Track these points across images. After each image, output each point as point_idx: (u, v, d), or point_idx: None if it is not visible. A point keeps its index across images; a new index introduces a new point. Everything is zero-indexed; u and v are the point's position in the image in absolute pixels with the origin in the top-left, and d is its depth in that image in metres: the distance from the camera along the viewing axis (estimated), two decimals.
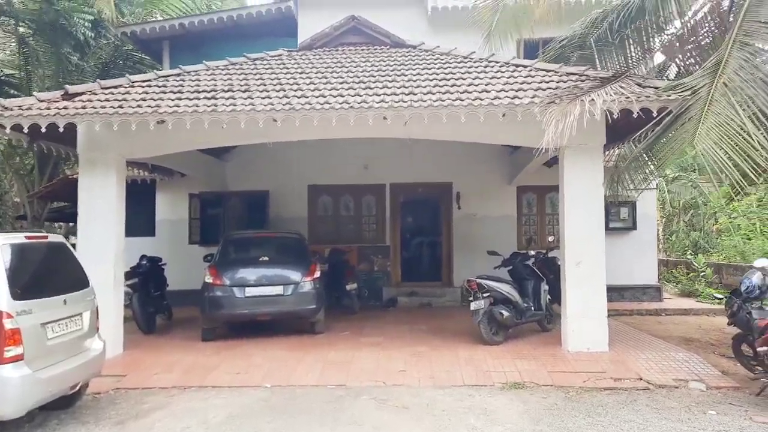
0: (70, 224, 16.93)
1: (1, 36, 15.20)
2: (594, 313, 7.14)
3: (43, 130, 6.66)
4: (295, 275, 8.53)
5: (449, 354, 7.21)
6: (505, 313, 7.68)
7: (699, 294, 12.76)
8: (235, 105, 6.79)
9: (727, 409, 5.31)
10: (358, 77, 7.85)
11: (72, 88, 7.22)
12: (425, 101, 6.87)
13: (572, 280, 7.24)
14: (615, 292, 10.51)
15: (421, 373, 6.48)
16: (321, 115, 6.70)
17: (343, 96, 7.07)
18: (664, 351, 7.22)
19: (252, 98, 7.01)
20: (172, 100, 6.96)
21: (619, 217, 12.03)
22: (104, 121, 6.62)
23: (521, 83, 7.41)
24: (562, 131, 6.19)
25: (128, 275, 9.06)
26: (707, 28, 8.44)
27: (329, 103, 6.83)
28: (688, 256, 17.18)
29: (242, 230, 10.66)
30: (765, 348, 5.34)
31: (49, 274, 5.45)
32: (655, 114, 6.62)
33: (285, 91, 7.28)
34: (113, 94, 7.16)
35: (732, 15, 8.02)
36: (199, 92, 7.23)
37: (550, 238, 11.09)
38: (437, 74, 7.94)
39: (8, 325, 4.52)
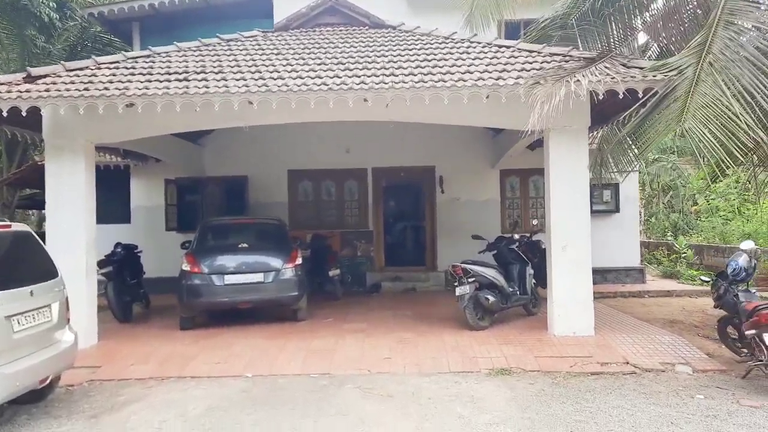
0: (43, 211, 16.47)
1: None
2: (580, 297, 7.07)
3: (5, 114, 6.32)
4: (275, 262, 8.34)
5: (435, 340, 7.10)
6: (491, 298, 7.59)
7: (681, 276, 12.86)
8: (208, 87, 6.51)
9: (715, 392, 5.27)
10: (337, 58, 7.61)
11: (35, 71, 6.88)
12: (407, 83, 6.68)
13: (558, 263, 7.16)
14: (598, 275, 10.50)
15: (406, 360, 6.36)
16: (298, 97, 6.46)
17: (321, 77, 6.84)
18: (650, 334, 7.19)
19: (226, 80, 6.74)
20: (142, 82, 6.65)
21: (602, 199, 12.01)
22: (69, 105, 6.30)
23: (504, 64, 7.25)
24: (548, 113, 6.08)
25: (102, 263, 8.84)
26: (690, 7, 8.35)
27: (307, 85, 6.59)
28: (669, 238, 17.35)
29: (220, 216, 10.42)
30: (752, 331, 5.29)
31: (14, 264, 5.16)
32: (640, 95, 6.51)
33: (261, 72, 7.02)
34: (78, 76, 6.83)
35: None
36: (170, 74, 6.93)
37: (534, 222, 11.04)
38: (418, 55, 7.74)
39: None
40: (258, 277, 8.18)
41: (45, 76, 6.81)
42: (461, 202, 12.07)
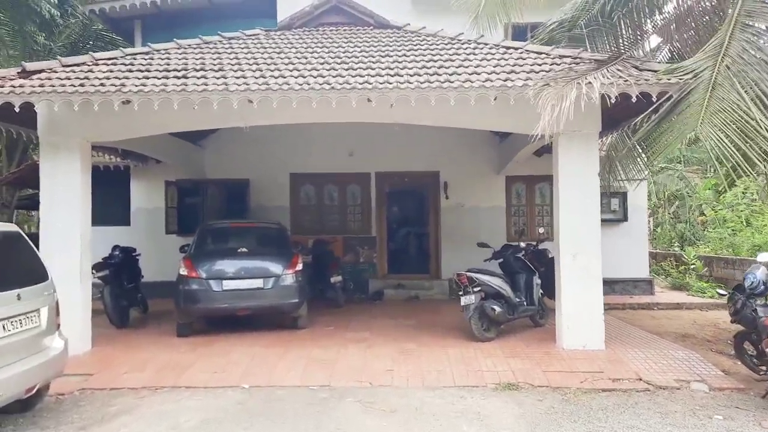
0: None
1: None
2: (590, 308, 6.82)
3: None
4: (275, 267, 8.12)
5: (439, 351, 6.86)
6: (497, 309, 7.34)
7: (690, 288, 12.56)
8: (206, 84, 6.31)
9: (734, 413, 5.00)
10: (340, 58, 7.40)
11: (30, 65, 6.68)
12: (412, 83, 6.46)
13: (567, 273, 6.90)
14: (606, 286, 10.11)
15: (409, 373, 6.12)
16: (300, 96, 6.24)
17: (323, 76, 6.62)
18: (662, 348, 6.92)
19: (226, 77, 6.52)
20: (139, 78, 6.44)
21: (609, 208, 11.75)
22: (63, 101, 6.08)
23: (513, 65, 7.04)
24: (558, 116, 5.85)
25: (99, 266, 8.66)
26: (703, 9, 8.14)
27: (309, 84, 6.37)
28: (675, 248, 17.06)
29: (219, 220, 10.20)
30: None
31: (1, 266, 4.95)
32: (654, 98, 6.28)
33: (262, 71, 6.80)
34: (74, 72, 6.62)
35: None
36: (168, 71, 6.71)
37: (541, 230, 10.79)
38: (424, 56, 7.53)
39: None
40: (257, 283, 7.95)
41: (40, 71, 6.61)
42: (466, 209, 11.84)
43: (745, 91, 5.83)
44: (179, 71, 6.71)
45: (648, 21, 8.78)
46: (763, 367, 5.65)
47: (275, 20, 11.09)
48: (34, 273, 5.18)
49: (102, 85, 6.26)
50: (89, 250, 7.32)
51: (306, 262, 9.16)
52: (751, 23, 6.57)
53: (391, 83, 6.44)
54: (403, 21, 9.56)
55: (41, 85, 6.23)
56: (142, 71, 6.73)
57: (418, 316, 9.31)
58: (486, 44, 7.99)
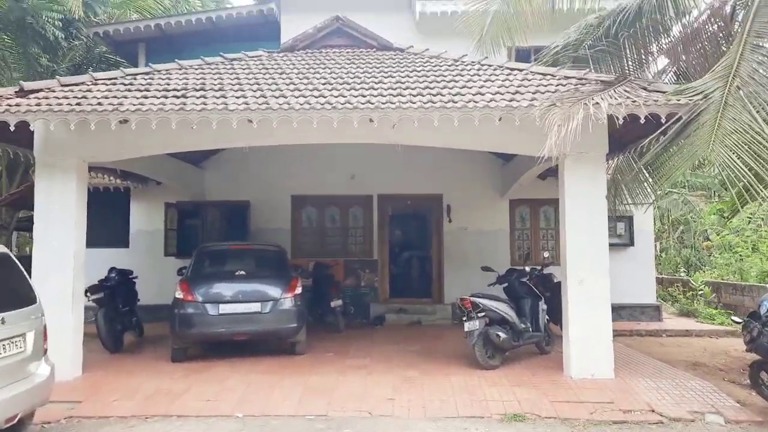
0: None
1: None
2: (599, 335, 6.58)
3: None
4: (274, 291, 7.91)
5: (442, 379, 6.61)
6: (502, 335, 7.09)
7: (699, 314, 12.28)
8: (206, 104, 6.19)
9: None
10: (342, 78, 7.31)
11: (28, 85, 6.59)
12: (415, 102, 6.35)
13: (575, 299, 6.68)
14: (612, 311, 9.84)
15: (411, 402, 5.87)
16: (301, 116, 6.12)
17: (325, 96, 6.51)
18: (673, 378, 6.64)
19: (226, 97, 6.41)
20: (138, 98, 6.33)
21: (615, 232, 11.52)
22: (60, 119, 5.97)
23: (517, 86, 6.93)
24: (565, 137, 5.71)
25: (94, 289, 8.49)
26: (711, 32, 8.07)
27: (310, 104, 6.26)
28: (681, 274, 16.79)
29: (217, 242, 10.03)
30: None
31: None
32: (663, 120, 6.14)
33: (263, 90, 6.70)
34: (73, 91, 6.52)
35: (736, 21, 7.68)
36: (168, 91, 6.61)
37: (546, 254, 10.57)
38: (427, 76, 7.44)
39: None
40: (255, 307, 7.73)
41: (38, 91, 6.52)
42: (469, 232, 11.65)
43: (757, 112, 5.70)
44: (179, 91, 6.60)
45: (654, 44, 8.72)
46: None
47: (279, 43, 11.11)
48: (21, 296, 5.00)
49: (99, 104, 6.15)
50: (83, 272, 7.15)
51: (306, 286, 8.97)
52: (761, 44, 6.49)
53: (393, 103, 6.32)
54: (406, 44, 9.52)
55: (38, 104, 6.12)
56: (141, 91, 6.63)
57: (420, 342, 9.06)
58: (490, 65, 7.92)
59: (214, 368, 7.31)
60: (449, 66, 8.02)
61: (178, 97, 6.39)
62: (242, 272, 8.18)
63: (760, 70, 6.12)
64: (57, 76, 7.18)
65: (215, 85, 6.91)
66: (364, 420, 5.44)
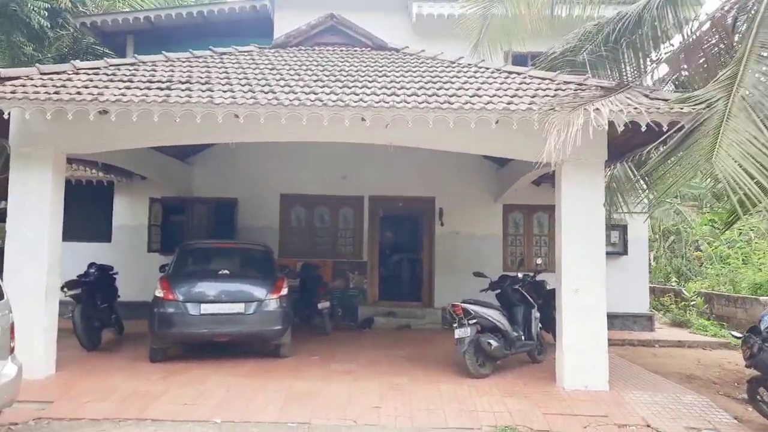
0: None
1: None
2: (593, 346, 6.39)
3: None
4: (258, 291, 7.67)
5: (430, 387, 6.41)
6: (494, 343, 6.89)
7: (692, 325, 12.16)
8: (190, 97, 5.93)
9: None
10: (335, 76, 7.08)
11: (5, 72, 6.29)
12: (409, 102, 6.15)
13: (569, 308, 6.49)
14: None
15: (398, 411, 5.66)
16: (289, 113, 5.88)
17: (316, 93, 6.28)
18: (668, 391, 6.47)
19: (212, 91, 6.16)
20: (119, 89, 6.07)
21: (609, 240, 11.34)
22: (36, 108, 5.70)
23: (515, 90, 6.75)
24: (565, 142, 5.53)
25: (72, 284, 8.17)
26: (713, 42, 7.94)
27: (300, 100, 6.03)
28: (673, 284, 16.72)
29: (200, 239, 9.76)
30: None
31: None
32: (665, 128, 5.98)
33: (251, 85, 6.46)
34: (52, 80, 6.24)
35: (737, 33, 7.55)
36: (152, 82, 6.36)
37: (538, 261, 10.41)
38: (422, 77, 7.24)
39: None
40: (238, 308, 7.48)
41: (16, 78, 6.23)
42: (461, 236, 11.46)
43: (761, 121, 5.55)
44: (163, 83, 6.35)
45: (653, 53, 8.58)
46: None
47: (271, 40, 10.87)
48: None
49: (78, 93, 5.88)
50: (58, 266, 6.87)
51: (293, 287, 8.73)
52: (766, 54, 6.34)
53: (387, 102, 6.12)
54: (402, 45, 9.32)
55: (13, 92, 5.84)
56: (124, 81, 6.37)
57: (409, 347, 8.85)
58: (487, 68, 7.77)
59: (194, 370, 7.06)
60: (446, 67, 7.84)
61: (162, 89, 6.13)
62: (226, 271, 7.91)
63: (765, 81, 5.97)
64: (37, 64, 6.87)
65: (202, 78, 6.66)
66: (349, 429, 5.23)
